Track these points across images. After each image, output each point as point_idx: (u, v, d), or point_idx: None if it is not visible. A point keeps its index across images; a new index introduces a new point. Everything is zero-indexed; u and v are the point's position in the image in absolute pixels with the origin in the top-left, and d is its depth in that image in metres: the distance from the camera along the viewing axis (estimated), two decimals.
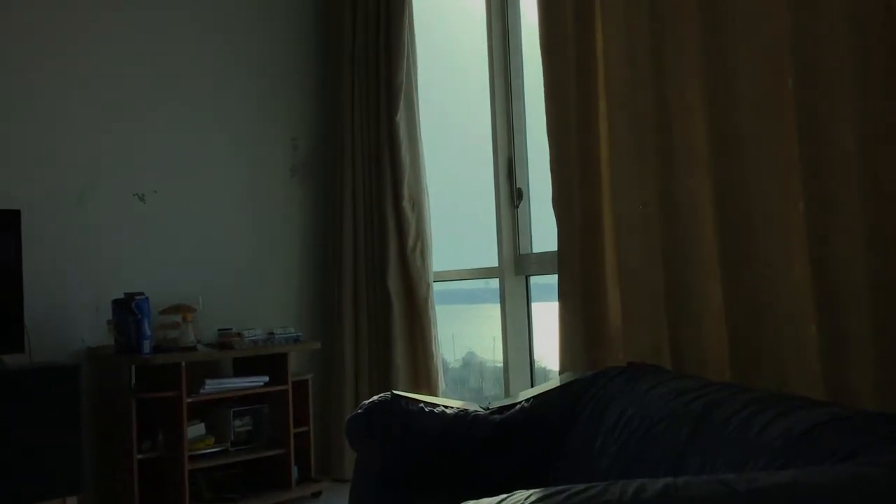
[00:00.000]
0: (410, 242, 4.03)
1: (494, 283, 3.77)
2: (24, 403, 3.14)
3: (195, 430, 3.65)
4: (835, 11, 1.89)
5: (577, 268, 2.83)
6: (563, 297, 2.93)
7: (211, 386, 3.67)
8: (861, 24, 1.83)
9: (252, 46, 4.38)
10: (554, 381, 2.59)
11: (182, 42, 4.14)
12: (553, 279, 3.03)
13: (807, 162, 1.95)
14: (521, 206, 3.69)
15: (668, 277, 2.43)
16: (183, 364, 3.52)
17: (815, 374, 1.94)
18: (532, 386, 3.58)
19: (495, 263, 3.74)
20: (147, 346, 3.51)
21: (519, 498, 1.20)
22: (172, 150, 4.07)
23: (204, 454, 3.64)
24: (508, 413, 2.47)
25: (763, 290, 2.13)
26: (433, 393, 3.89)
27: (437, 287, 4.08)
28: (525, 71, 3.74)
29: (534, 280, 3.73)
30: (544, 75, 3.02)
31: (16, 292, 3.33)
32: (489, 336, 4.27)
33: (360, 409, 2.50)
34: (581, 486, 1.21)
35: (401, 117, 4.04)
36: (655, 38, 2.46)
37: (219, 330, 3.89)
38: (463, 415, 2.47)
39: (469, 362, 4.78)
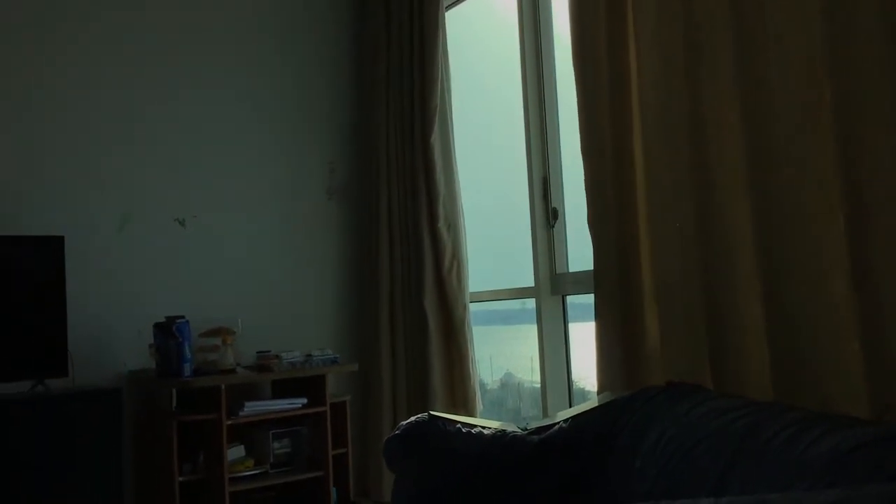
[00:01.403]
0: (446, 263, 4.04)
1: (531, 304, 3.76)
2: (66, 426, 3.19)
3: (235, 452, 3.68)
4: (871, 21, 1.87)
5: (614, 287, 2.81)
6: (600, 316, 2.91)
7: (250, 408, 3.69)
8: None
9: (288, 72, 4.44)
10: (592, 402, 2.56)
11: (219, 70, 4.22)
12: (590, 298, 3.01)
13: (846, 176, 1.93)
14: (556, 225, 3.67)
15: (707, 295, 2.41)
16: (223, 387, 3.55)
17: (859, 392, 1.91)
18: (570, 406, 3.55)
19: (531, 283, 3.72)
20: (187, 369, 3.55)
21: None
22: (212, 176, 4.13)
23: (244, 476, 3.66)
24: (546, 434, 2.45)
25: (804, 306, 2.09)
26: (470, 414, 3.88)
27: (473, 308, 4.07)
28: (559, 89, 3.74)
29: (570, 300, 3.71)
30: (577, 93, 3.02)
31: (59, 317, 3.39)
32: (526, 356, 4.24)
33: (397, 430, 2.50)
34: None
35: (435, 139, 4.06)
36: (689, 54, 2.45)
37: (257, 352, 3.92)
38: (501, 435, 2.45)
39: (507, 383, 4.75)
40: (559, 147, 3.72)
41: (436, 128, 4.05)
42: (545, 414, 3.61)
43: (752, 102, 2.23)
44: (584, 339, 3.55)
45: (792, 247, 2.13)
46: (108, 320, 3.73)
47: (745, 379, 2.29)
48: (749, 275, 2.26)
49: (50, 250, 3.41)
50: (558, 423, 2.48)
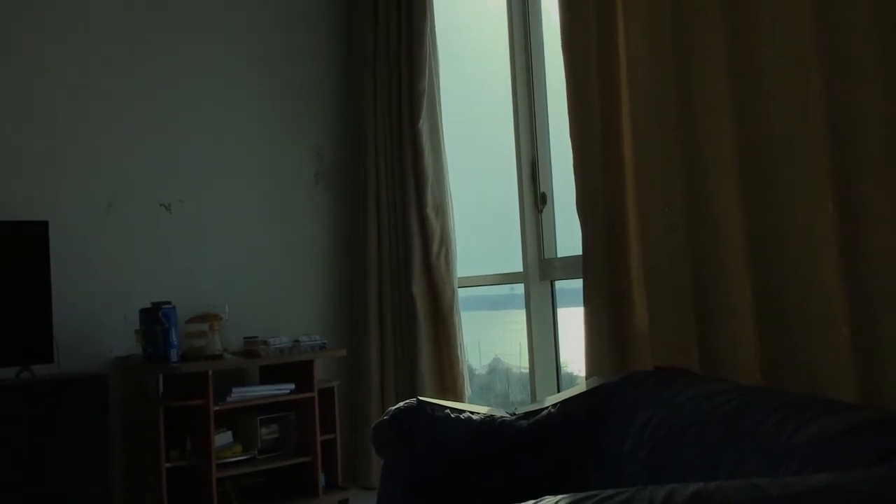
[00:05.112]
0: (435, 248, 4.03)
1: (519, 289, 3.75)
2: (52, 413, 3.17)
3: (222, 438, 3.67)
4: (862, 5, 1.86)
5: (602, 272, 2.81)
6: (588, 301, 2.91)
7: (238, 394, 3.68)
8: (890, 18, 1.79)
9: (275, 57, 4.40)
10: (581, 386, 2.56)
11: (206, 54, 4.17)
12: (578, 283, 3.01)
13: (835, 161, 1.92)
14: (545, 210, 3.67)
15: (696, 280, 2.40)
16: (210, 372, 3.53)
17: (846, 377, 1.91)
18: (558, 391, 3.55)
19: (520, 269, 3.72)
20: (174, 354, 3.53)
21: None
22: (198, 160, 4.10)
23: (232, 462, 3.65)
24: (535, 418, 2.45)
25: (793, 291, 2.09)
26: (459, 399, 3.88)
27: (462, 293, 4.07)
28: (548, 73, 3.72)
29: (559, 285, 3.71)
30: (566, 77, 3.00)
31: (44, 303, 3.36)
32: (515, 342, 4.24)
33: (386, 415, 2.49)
34: (610, 492, 1.20)
35: (424, 123, 4.04)
36: (679, 37, 2.44)
37: (245, 338, 3.90)
38: (490, 420, 2.45)
39: (495, 368, 4.76)
40: (547, 131, 3.70)
41: (424, 112, 4.03)
42: (534, 399, 3.61)
43: (743, 87, 2.22)
44: (572, 323, 3.55)
45: (781, 231, 2.12)
46: (94, 306, 3.70)
47: (734, 363, 2.29)
48: (738, 259, 2.26)
49: (34, 235, 3.38)
50: (547, 407, 2.48)
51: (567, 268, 3.50)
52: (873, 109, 1.83)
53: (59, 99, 3.72)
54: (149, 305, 3.56)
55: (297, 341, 3.90)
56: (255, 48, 4.34)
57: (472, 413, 2.48)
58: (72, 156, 3.73)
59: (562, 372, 3.71)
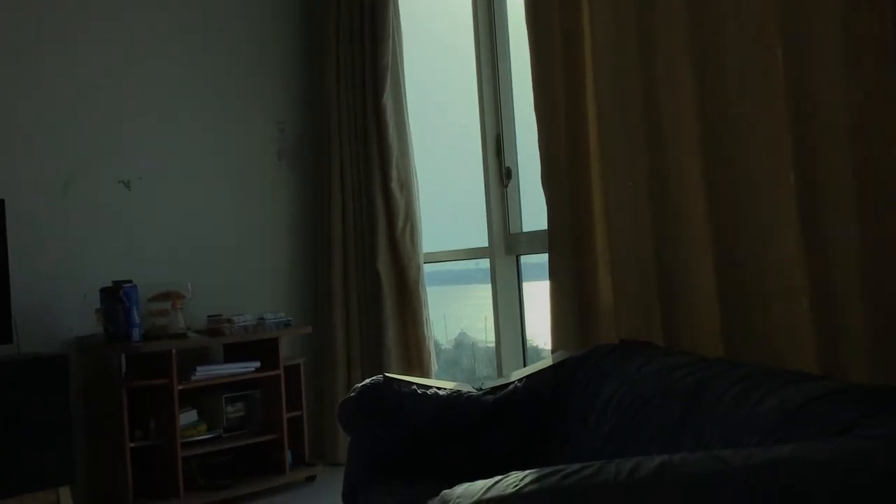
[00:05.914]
0: (400, 224, 4.01)
1: (485, 264, 3.75)
2: (12, 394, 3.12)
3: (187, 417, 3.64)
4: None
5: (567, 246, 2.82)
6: (554, 275, 2.92)
7: (202, 372, 3.65)
8: None
9: (236, 30, 4.32)
10: (546, 360, 2.58)
11: (166, 28, 4.08)
12: (544, 258, 3.02)
13: (797, 136, 1.93)
14: (510, 185, 3.66)
15: (659, 254, 2.42)
16: (173, 351, 3.49)
17: (807, 349, 1.93)
18: (524, 365, 3.57)
19: (485, 243, 3.72)
20: (136, 333, 3.49)
21: (513, 479, 1.19)
22: (158, 137, 4.02)
23: (197, 441, 3.63)
24: (502, 393, 2.46)
25: (754, 265, 2.11)
26: (426, 375, 3.88)
27: (427, 268, 4.06)
28: (512, 48, 3.70)
29: (524, 259, 3.72)
30: (531, 52, 2.99)
31: (2, 282, 3.29)
32: (480, 316, 4.26)
33: (352, 392, 2.49)
34: (576, 466, 1.20)
35: (387, 98, 4.00)
36: (643, 13, 2.43)
37: (208, 316, 3.86)
38: (456, 396, 2.45)
39: (461, 343, 4.77)
40: (512, 106, 3.69)
41: (388, 86, 3.99)
42: (500, 373, 3.62)
43: (705, 62, 2.22)
44: (538, 297, 3.57)
45: (743, 205, 2.14)
46: (54, 285, 3.64)
47: (697, 335, 2.31)
48: (700, 233, 2.27)
49: None
50: (513, 382, 2.49)
51: (533, 242, 3.50)
52: (834, 86, 1.84)
53: (12, 75, 3.62)
54: (109, 284, 3.51)
55: (261, 319, 3.88)
56: (215, 22, 4.25)
57: (438, 389, 2.48)
58: (28, 133, 3.64)
59: (528, 346, 3.73)
